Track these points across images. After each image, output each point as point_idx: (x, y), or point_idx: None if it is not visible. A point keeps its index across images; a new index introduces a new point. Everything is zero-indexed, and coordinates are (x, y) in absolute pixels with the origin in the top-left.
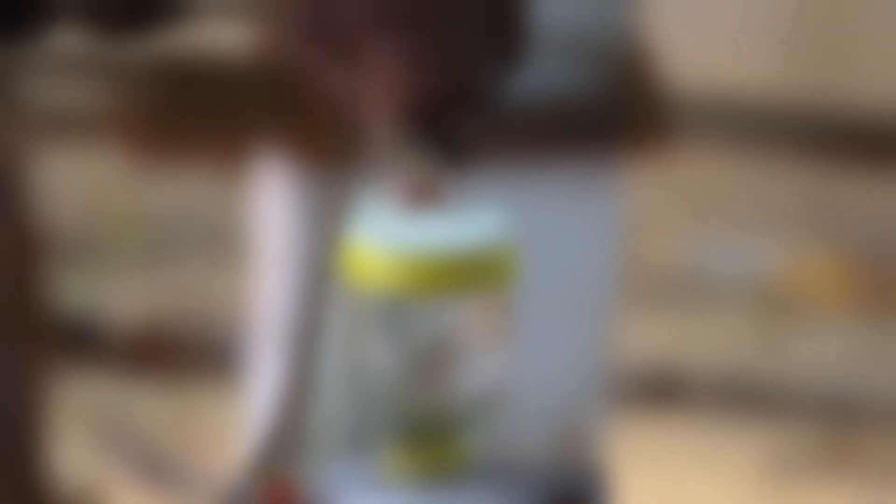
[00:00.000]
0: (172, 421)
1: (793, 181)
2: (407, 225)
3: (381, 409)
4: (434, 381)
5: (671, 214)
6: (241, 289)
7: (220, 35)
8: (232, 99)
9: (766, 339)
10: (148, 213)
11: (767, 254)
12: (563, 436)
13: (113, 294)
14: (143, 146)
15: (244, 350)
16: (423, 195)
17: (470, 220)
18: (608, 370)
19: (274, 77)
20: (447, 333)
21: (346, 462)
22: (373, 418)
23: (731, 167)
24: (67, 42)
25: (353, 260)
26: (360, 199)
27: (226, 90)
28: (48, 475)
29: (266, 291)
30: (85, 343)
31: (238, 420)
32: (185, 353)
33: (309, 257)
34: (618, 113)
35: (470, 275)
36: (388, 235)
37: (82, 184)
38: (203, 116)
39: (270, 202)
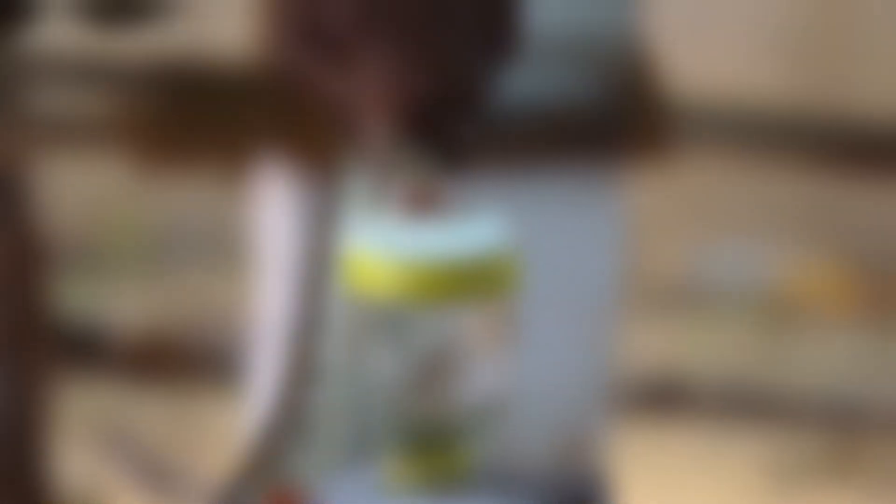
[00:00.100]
0: (174, 428)
1: (796, 187)
2: (408, 232)
3: (383, 416)
4: (436, 389)
5: (673, 221)
6: (243, 296)
7: (220, 38)
8: (233, 106)
9: (769, 346)
10: (150, 221)
11: (770, 260)
12: (565, 443)
13: (115, 301)
14: (145, 153)
15: (246, 357)
16: (425, 202)
17: (472, 228)
18: (610, 377)
19: (273, 83)
20: (449, 341)
21: (347, 470)
22: (374, 426)
23: (733, 173)
24: (67, 47)
25: (355, 268)
26: (360, 206)
27: (226, 97)
28: (50, 481)
29: (267, 298)
30: (87, 350)
31: (240, 427)
32: (187, 360)
33: (310, 265)
34: (620, 118)
35: (472, 282)
36: (390, 243)
37: (84, 191)
38: (205, 123)
39: (272, 209)
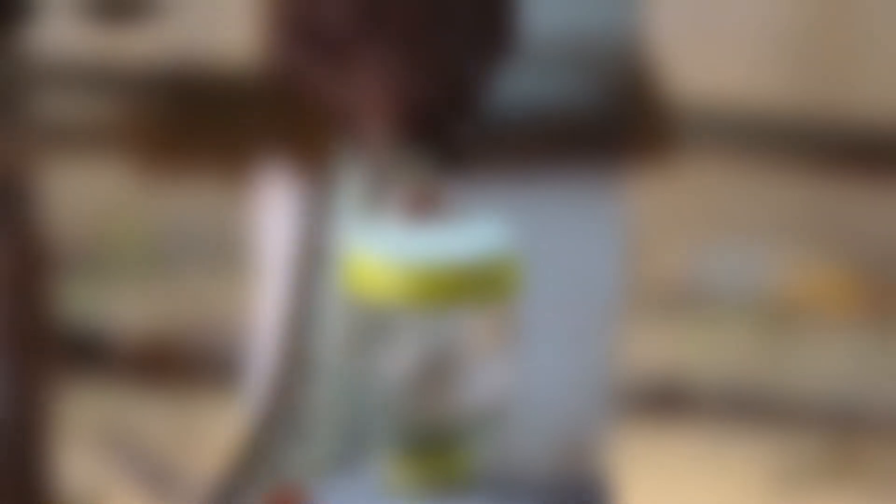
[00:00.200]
0: (176, 432)
1: (797, 190)
2: (410, 236)
3: (385, 419)
4: (437, 392)
5: (675, 223)
6: (246, 300)
7: (221, 42)
8: (234, 109)
9: (770, 350)
10: (153, 226)
11: (772, 263)
12: (566, 446)
13: (117, 304)
14: (147, 157)
15: (248, 362)
16: (425, 205)
17: (473, 231)
18: (612, 381)
19: (274, 86)
20: (450, 344)
21: (348, 472)
22: (376, 429)
23: (735, 176)
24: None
25: (356, 271)
26: (360, 209)
27: (228, 101)
28: (52, 486)
29: (269, 303)
30: (89, 353)
31: (241, 431)
32: (190, 364)
33: (304, 263)
34: (621, 121)
35: (473, 286)
36: (391, 247)
37: (87, 196)
38: (206, 128)
39: (272, 213)
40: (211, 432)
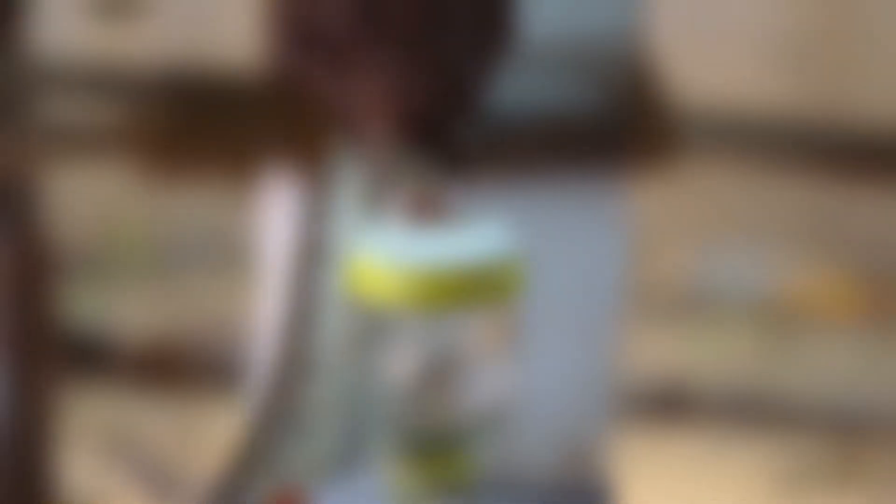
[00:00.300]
0: (179, 434)
1: (799, 194)
2: (412, 239)
3: (387, 422)
4: (440, 396)
5: (676, 227)
6: (249, 304)
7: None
8: (236, 112)
9: (773, 354)
10: (156, 229)
11: (774, 268)
12: (569, 449)
13: (121, 308)
14: (152, 162)
15: (250, 364)
16: (427, 208)
17: (476, 234)
18: (615, 383)
19: (274, 89)
20: (453, 347)
21: (349, 475)
22: (378, 431)
23: (736, 179)
24: (73, 55)
25: (359, 274)
26: (361, 211)
27: (230, 104)
28: (54, 488)
29: (270, 305)
30: (92, 356)
31: (242, 433)
32: (193, 368)
33: (303, 263)
34: (622, 124)
35: (476, 289)
36: (394, 249)
37: (90, 199)
38: (208, 131)
39: (275, 216)
40: (212, 433)
